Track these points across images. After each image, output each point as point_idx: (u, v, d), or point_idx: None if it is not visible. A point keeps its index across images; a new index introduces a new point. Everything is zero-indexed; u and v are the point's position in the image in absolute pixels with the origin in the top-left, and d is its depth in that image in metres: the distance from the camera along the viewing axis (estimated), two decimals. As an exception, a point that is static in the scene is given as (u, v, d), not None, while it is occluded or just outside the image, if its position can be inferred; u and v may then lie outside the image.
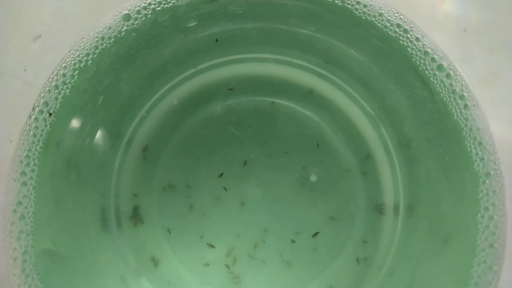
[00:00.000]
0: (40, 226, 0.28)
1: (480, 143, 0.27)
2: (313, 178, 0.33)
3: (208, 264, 0.35)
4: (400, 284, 0.34)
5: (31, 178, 0.28)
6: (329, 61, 0.35)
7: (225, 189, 0.34)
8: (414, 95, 0.31)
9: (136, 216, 0.35)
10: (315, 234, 0.34)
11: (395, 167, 0.35)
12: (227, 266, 0.35)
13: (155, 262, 0.35)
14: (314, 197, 0.35)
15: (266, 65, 0.36)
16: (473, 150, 0.27)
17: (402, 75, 0.32)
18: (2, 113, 0.27)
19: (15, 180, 0.28)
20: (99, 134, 0.35)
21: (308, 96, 0.36)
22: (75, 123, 0.32)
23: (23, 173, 0.28)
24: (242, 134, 0.35)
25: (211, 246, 0.35)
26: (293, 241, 0.34)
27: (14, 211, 0.28)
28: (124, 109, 0.35)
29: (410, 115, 0.31)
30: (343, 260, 0.35)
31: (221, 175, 0.34)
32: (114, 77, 0.34)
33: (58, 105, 0.30)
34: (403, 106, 0.31)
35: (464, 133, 0.28)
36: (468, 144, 0.27)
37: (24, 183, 0.28)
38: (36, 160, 0.28)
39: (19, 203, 0.28)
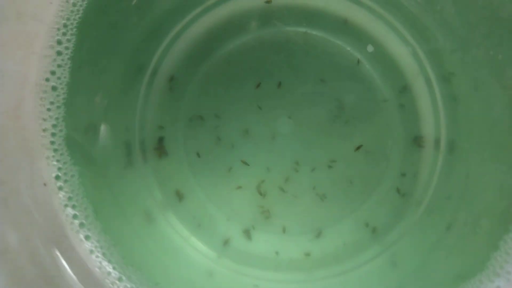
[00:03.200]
0: (72, 102, 0.27)
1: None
2: (370, 48, 0.32)
3: (236, 199, 0.33)
4: (440, 221, 0.32)
5: (67, 48, 0.26)
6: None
7: (260, 108, 0.33)
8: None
9: (161, 148, 0.34)
10: (358, 147, 0.32)
11: (436, 100, 0.33)
12: (256, 201, 0.33)
13: (179, 196, 0.33)
14: (348, 129, 0.33)
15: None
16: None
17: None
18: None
19: (51, 47, 0.26)
20: (120, 69, 0.33)
21: (343, 25, 0.34)
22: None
23: (59, 41, 0.26)
24: (275, 62, 0.33)
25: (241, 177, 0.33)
26: (330, 167, 0.32)
27: (47, 79, 0.26)
28: (146, 40, 0.34)
29: (459, 22, 0.29)
30: (380, 195, 0.33)
31: (258, 85, 0.33)
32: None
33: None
34: (450, 14, 0.29)
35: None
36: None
37: (60, 52, 0.26)
38: (75, 29, 0.26)
39: (53, 72, 0.26)
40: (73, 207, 0.26)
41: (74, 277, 0.24)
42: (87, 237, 0.26)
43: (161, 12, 0.32)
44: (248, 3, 0.34)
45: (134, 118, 0.34)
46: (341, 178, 0.33)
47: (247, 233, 0.33)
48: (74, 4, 0.26)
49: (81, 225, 0.26)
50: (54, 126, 0.27)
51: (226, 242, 0.33)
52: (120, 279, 0.26)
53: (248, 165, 0.33)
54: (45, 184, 0.26)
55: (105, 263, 0.26)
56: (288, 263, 0.32)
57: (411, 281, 0.31)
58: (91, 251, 0.26)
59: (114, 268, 0.26)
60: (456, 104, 0.32)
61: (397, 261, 0.32)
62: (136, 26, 0.32)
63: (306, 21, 0.34)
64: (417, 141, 0.33)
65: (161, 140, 0.34)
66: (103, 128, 0.32)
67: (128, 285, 0.26)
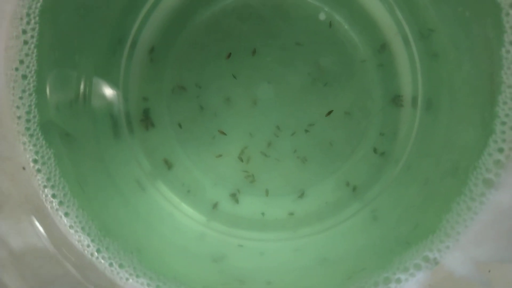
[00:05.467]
0: (43, 88, 0.28)
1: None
2: (321, 17, 0.32)
3: (222, 165, 0.35)
4: (418, 176, 0.33)
5: (33, 36, 0.27)
6: None
7: (235, 77, 0.33)
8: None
9: (147, 119, 0.35)
10: (329, 113, 0.33)
11: (414, 58, 0.33)
12: (241, 166, 0.34)
13: (168, 164, 0.35)
14: (328, 92, 0.34)
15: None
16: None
17: None
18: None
19: (16, 37, 0.27)
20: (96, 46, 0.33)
21: (319, -15, 0.34)
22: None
23: (24, 31, 0.27)
24: (252, 27, 0.33)
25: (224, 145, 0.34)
26: (307, 131, 0.33)
27: (16, 69, 0.27)
28: (122, 13, 0.34)
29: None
30: (359, 155, 0.34)
31: (229, 55, 0.33)
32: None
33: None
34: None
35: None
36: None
37: (26, 42, 0.27)
38: (37, 17, 0.27)
39: (21, 61, 0.27)
40: (52, 187, 0.28)
41: (56, 250, 0.26)
42: (66, 214, 0.28)
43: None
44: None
45: (117, 91, 0.35)
46: (321, 141, 0.34)
47: (234, 197, 0.35)
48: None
49: (60, 203, 0.28)
50: (27, 113, 0.28)
51: (214, 206, 0.35)
52: (98, 250, 0.28)
53: (226, 134, 0.34)
54: (24, 168, 0.27)
55: (83, 237, 0.28)
56: (274, 223, 0.34)
57: (391, 233, 0.32)
58: (71, 226, 0.28)
59: (92, 241, 0.28)
60: (434, 62, 0.32)
61: (378, 215, 0.33)
62: (107, 1, 0.32)
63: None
64: (396, 100, 0.33)
65: (146, 111, 0.35)
66: (85, 105, 0.33)
67: (106, 255, 0.28)
